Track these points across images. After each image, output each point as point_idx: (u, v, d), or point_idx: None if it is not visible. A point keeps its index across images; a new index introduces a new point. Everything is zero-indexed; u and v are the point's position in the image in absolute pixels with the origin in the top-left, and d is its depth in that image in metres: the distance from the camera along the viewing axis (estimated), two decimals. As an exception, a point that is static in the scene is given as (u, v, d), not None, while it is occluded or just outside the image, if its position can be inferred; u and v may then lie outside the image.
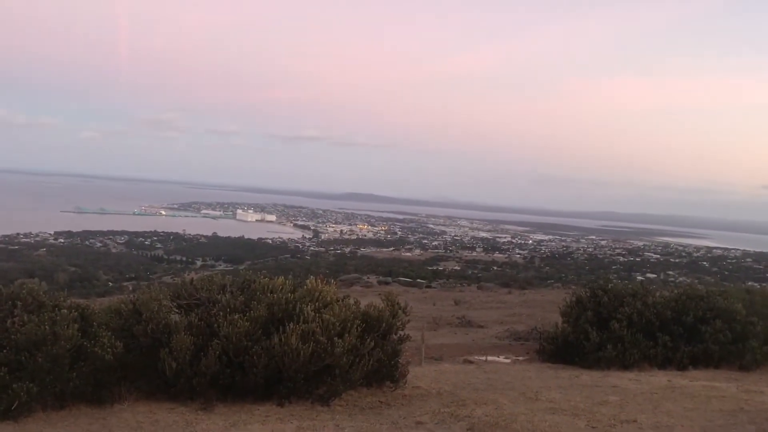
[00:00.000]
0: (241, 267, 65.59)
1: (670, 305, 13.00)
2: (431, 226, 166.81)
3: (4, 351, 7.12)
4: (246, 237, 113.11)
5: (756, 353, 12.36)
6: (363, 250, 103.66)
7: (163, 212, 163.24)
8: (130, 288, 44.20)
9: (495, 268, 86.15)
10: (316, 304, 8.69)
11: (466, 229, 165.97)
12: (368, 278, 61.26)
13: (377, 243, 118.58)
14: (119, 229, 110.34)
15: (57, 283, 49.02)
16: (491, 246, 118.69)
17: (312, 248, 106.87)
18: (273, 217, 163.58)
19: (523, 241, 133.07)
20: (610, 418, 7.54)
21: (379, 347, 8.77)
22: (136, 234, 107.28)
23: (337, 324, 8.37)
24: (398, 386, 9.08)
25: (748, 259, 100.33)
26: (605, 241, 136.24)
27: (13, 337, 7.17)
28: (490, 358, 14.99)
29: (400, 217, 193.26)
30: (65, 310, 7.61)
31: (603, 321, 12.70)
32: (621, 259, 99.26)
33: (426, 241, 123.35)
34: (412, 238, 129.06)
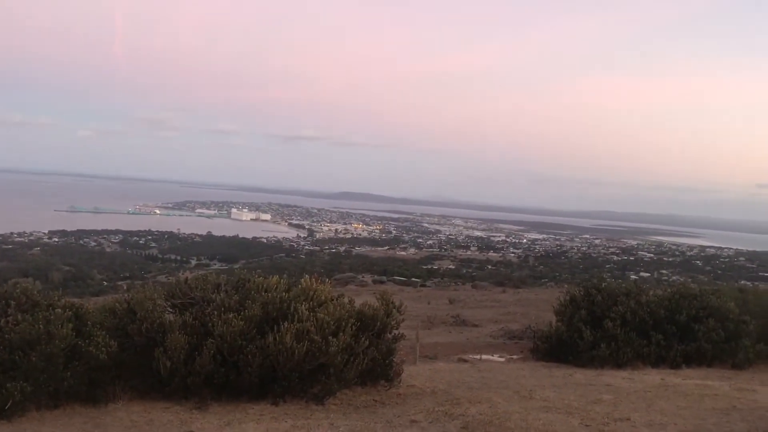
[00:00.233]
0: (236, 266, 65.43)
1: (664, 304, 13.04)
2: (426, 225, 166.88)
3: (-2, 350, 7.12)
4: (240, 236, 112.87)
5: (748, 352, 12.43)
6: (358, 249, 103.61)
7: (158, 211, 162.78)
8: (125, 287, 43.99)
9: (489, 266, 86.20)
10: (311, 303, 8.70)
11: (461, 228, 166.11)
12: (363, 277, 61.26)
13: (372, 242, 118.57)
14: (113, 228, 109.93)
15: (51, 283, 48.93)
16: (486, 245, 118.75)
17: (307, 247, 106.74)
18: (268, 216, 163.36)
19: (517, 240, 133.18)
20: (603, 417, 7.57)
21: (373, 346, 8.79)
22: (131, 233, 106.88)
23: (332, 323, 8.39)
24: (393, 385, 9.10)
25: (741, 258, 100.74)
26: (599, 240, 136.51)
27: (6, 336, 7.17)
28: (484, 356, 15.01)
29: (395, 216, 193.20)
30: (59, 310, 7.60)
31: (597, 320, 12.74)
32: (615, 258, 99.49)
33: (421, 240, 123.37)
34: (406, 237, 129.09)
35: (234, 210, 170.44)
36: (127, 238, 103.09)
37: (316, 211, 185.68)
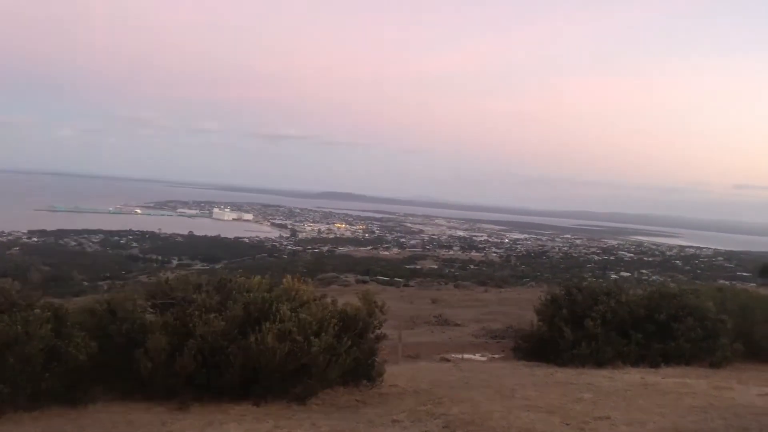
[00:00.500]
0: (218, 266, 65.17)
1: (643, 303, 13.16)
2: (409, 225, 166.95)
3: (-25, 351, 7.03)
4: (222, 236, 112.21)
5: (726, 350, 12.57)
6: (341, 249, 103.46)
7: (139, 211, 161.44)
8: (105, 287, 43.74)
9: (472, 266, 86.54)
10: (293, 303, 8.69)
11: (444, 228, 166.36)
12: (346, 277, 61.21)
13: (355, 242, 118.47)
14: (94, 227, 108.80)
15: (30, 283, 48.18)
16: (468, 245, 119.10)
17: (289, 247, 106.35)
18: (250, 216, 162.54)
19: (499, 240, 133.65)
20: (584, 415, 7.62)
21: (356, 346, 8.79)
22: (112, 233, 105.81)
23: (314, 323, 8.38)
24: (375, 385, 9.11)
25: (720, 258, 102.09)
26: (580, 240, 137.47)
27: (-16, 337, 7.08)
28: (466, 356, 15.09)
29: (378, 216, 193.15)
30: (38, 310, 7.53)
31: (578, 319, 12.82)
32: (595, 257, 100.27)
33: (404, 240, 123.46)
34: (389, 237, 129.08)
35: (216, 210, 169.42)
36: (108, 237, 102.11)
37: (298, 210, 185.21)
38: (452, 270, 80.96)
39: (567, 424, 7.24)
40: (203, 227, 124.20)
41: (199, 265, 75.67)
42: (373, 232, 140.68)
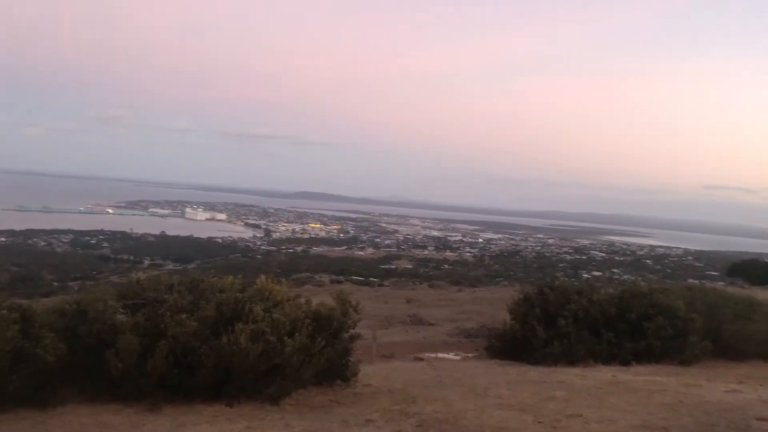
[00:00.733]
0: (190, 266, 64.53)
1: (615, 302, 13.34)
2: (384, 225, 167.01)
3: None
4: (195, 236, 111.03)
5: (695, 348, 12.79)
6: (315, 249, 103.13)
7: (110, 210, 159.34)
8: (76, 288, 42.98)
9: (446, 266, 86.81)
10: (266, 303, 8.64)
11: (418, 228, 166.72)
12: (320, 277, 60.88)
13: (330, 242, 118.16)
14: (64, 227, 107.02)
15: (-2, 284, 47.44)
16: (443, 244, 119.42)
17: (263, 247, 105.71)
18: (223, 216, 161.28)
19: (473, 240, 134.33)
20: (556, 413, 7.69)
21: (330, 346, 8.77)
22: (82, 233, 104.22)
23: (288, 323, 8.34)
24: (349, 385, 9.10)
25: (689, 258, 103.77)
26: (553, 240, 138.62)
27: (-51, 339, 6.94)
28: (440, 355, 15.12)
29: (353, 216, 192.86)
30: (5, 311, 7.41)
31: (550, 318, 12.95)
32: (568, 257, 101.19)
33: (378, 240, 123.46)
34: (364, 237, 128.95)
35: (188, 209, 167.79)
36: (79, 237, 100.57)
37: (272, 210, 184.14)
38: (427, 270, 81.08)
39: (539, 422, 7.29)
40: (176, 227, 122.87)
41: (171, 266, 74.85)
42: (348, 232, 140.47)
